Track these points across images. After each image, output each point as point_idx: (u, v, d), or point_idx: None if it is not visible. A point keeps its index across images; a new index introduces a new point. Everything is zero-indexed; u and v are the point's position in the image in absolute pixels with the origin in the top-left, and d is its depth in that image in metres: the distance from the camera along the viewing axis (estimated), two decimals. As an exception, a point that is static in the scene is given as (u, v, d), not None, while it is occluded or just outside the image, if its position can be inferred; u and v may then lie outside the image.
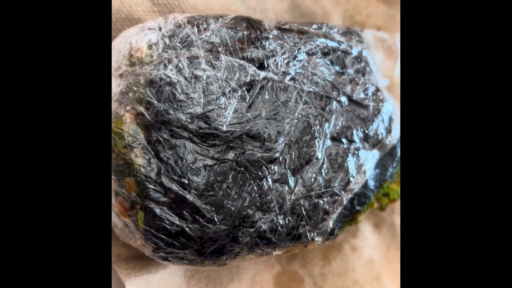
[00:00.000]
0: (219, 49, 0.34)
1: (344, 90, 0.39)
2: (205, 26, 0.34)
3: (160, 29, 0.33)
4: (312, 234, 0.37)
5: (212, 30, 0.34)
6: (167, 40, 0.33)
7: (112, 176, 0.32)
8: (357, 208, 0.40)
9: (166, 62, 0.32)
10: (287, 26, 0.39)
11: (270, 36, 0.37)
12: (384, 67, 0.49)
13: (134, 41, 0.33)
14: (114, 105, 0.32)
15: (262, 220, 0.35)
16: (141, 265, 0.38)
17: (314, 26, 0.42)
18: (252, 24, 0.36)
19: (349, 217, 0.40)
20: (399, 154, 0.43)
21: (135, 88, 0.32)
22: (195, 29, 0.34)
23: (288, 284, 0.46)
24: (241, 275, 0.44)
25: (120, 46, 0.33)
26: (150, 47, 0.33)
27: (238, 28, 0.35)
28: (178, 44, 0.33)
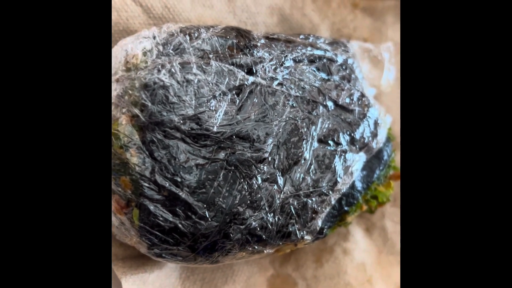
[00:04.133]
0: (210, 55, 0.36)
1: (330, 95, 0.41)
2: (196, 35, 0.37)
3: (154, 37, 0.36)
4: (302, 233, 0.39)
5: (203, 39, 0.37)
6: (160, 48, 0.35)
7: (109, 175, 0.34)
8: (345, 208, 0.42)
9: (160, 67, 0.34)
10: (275, 36, 0.41)
11: (258, 44, 0.39)
12: (371, 77, 0.51)
13: (130, 48, 0.35)
14: (110, 108, 0.34)
15: (253, 217, 0.36)
16: (137, 265, 0.40)
17: (301, 36, 0.44)
18: (241, 33, 0.39)
19: (338, 217, 0.42)
20: (385, 157, 0.45)
21: (130, 92, 0.34)
22: (187, 38, 0.36)
23: (282, 287, 0.47)
24: (235, 277, 0.45)
25: (117, 53, 0.35)
26: (144, 54, 0.35)
27: (228, 37, 0.38)
28: (171, 51, 0.35)
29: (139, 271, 0.39)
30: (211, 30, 0.38)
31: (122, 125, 0.34)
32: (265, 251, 0.38)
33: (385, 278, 0.51)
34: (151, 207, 0.34)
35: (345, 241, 0.50)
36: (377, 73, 0.52)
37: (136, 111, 0.34)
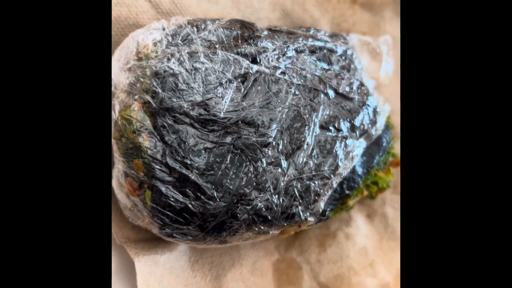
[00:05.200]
0: (216, 46, 0.38)
1: (330, 83, 0.43)
2: (203, 26, 0.39)
3: (163, 29, 0.38)
4: (305, 214, 0.41)
5: (209, 30, 0.39)
6: (170, 38, 0.37)
7: (122, 159, 0.36)
8: (347, 192, 0.44)
9: (169, 56, 0.36)
10: (277, 28, 0.44)
11: (262, 35, 0.41)
12: (370, 69, 0.53)
13: (141, 39, 0.37)
14: (123, 95, 0.36)
15: (258, 198, 0.38)
16: (149, 247, 0.41)
17: (303, 29, 0.46)
18: (246, 25, 0.41)
19: (340, 200, 0.44)
20: (385, 144, 0.47)
21: (142, 80, 0.36)
22: (195, 29, 0.38)
23: (287, 271, 0.49)
24: (242, 261, 0.47)
25: (128, 44, 0.37)
26: (155, 44, 0.37)
27: (233, 28, 0.40)
28: (180, 42, 0.38)
29: (151, 252, 0.41)
30: (217, 22, 0.40)
31: (135, 111, 0.36)
32: (270, 232, 0.40)
33: (386, 263, 0.52)
34: (163, 189, 0.36)
35: (347, 227, 0.51)
36: (376, 66, 0.54)
37: (148, 97, 0.36)
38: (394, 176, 0.55)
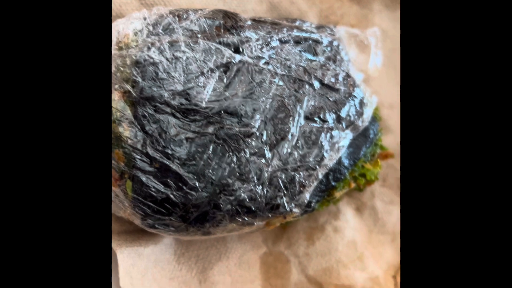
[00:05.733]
0: (198, 35, 0.38)
1: (315, 74, 0.43)
2: (185, 16, 0.39)
3: (144, 18, 0.38)
4: (290, 205, 0.40)
5: (191, 20, 0.38)
6: (150, 28, 0.37)
7: (103, 149, 0.36)
8: (333, 183, 0.43)
9: (150, 45, 0.36)
10: (261, 19, 0.43)
11: (245, 25, 0.41)
12: (358, 61, 0.52)
13: (122, 28, 0.37)
14: (104, 85, 0.36)
15: (242, 189, 0.38)
16: (132, 239, 0.41)
17: (288, 20, 0.46)
18: (229, 15, 0.41)
19: (326, 192, 0.43)
20: (372, 135, 0.47)
21: (122, 69, 0.36)
22: (176, 19, 0.38)
23: (274, 264, 0.49)
24: (229, 254, 0.47)
25: (109, 34, 0.37)
26: (135, 33, 0.37)
27: (215, 18, 0.39)
28: (161, 31, 0.37)
29: (134, 244, 0.40)
30: (199, 12, 0.39)
31: (115, 100, 0.35)
32: (255, 223, 0.40)
33: (376, 256, 0.52)
34: (144, 179, 0.35)
35: (335, 220, 0.51)
36: (364, 58, 0.53)
37: (128, 87, 0.35)
38: (383, 168, 0.54)
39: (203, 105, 0.36)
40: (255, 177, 0.38)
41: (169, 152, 0.35)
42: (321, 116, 0.42)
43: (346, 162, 0.44)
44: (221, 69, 0.38)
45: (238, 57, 0.39)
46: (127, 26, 0.37)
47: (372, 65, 0.53)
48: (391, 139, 0.56)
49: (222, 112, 0.37)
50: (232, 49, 0.39)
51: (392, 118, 0.57)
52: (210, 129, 0.37)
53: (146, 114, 0.35)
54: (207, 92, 0.37)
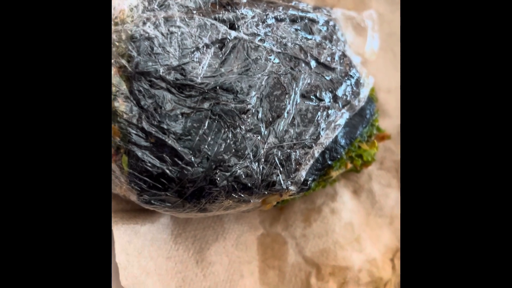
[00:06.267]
0: (193, 11, 0.38)
1: (311, 53, 0.43)
2: (181, -7, 0.39)
3: (140, -6, 0.38)
4: (287, 183, 0.40)
5: (187, -4, 0.38)
6: (146, 4, 0.37)
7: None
8: (329, 162, 0.43)
9: (145, 20, 0.36)
10: (257, -3, 0.43)
11: (241, 2, 0.41)
12: (355, 44, 0.53)
13: (117, 4, 0.37)
14: (99, 60, 0.36)
15: (238, 165, 0.38)
16: (129, 217, 0.41)
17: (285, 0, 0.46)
18: (224, -8, 0.41)
19: (322, 170, 0.43)
20: (368, 115, 0.47)
21: (117, 44, 0.36)
22: (172, -5, 0.38)
23: (272, 245, 0.49)
24: (226, 235, 0.47)
25: (104, 10, 0.37)
26: (131, 9, 0.37)
27: (211, -5, 0.39)
28: (156, 7, 0.37)
29: (131, 222, 0.41)
30: (195, -11, 0.40)
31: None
32: (251, 201, 0.40)
33: (373, 239, 0.52)
34: (139, 154, 0.35)
35: (332, 201, 0.51)
36: (361, 41, 0.53)
37: (123, 62, 0.35)
38: (380, 151, 0.54)
39: (199, 80, 0.36)
40: (251, 154, 0.38)
41: (165, 127, 0.35)
42: (317, 94, 0.42)
43: (342, 141, 0.44)
44: (217, 45, 0.38)
45: (233, 34, 0.39)
46: (123, 1, 0.37)
47: (369, 49, 0.53)
48: (388, 123, 0.56)
49: (218, 88, 0.37)
50: (228, 26, 0.39)
51: (389, 102, 0.57)
52: (206, 105, 0.37)
53: (141, 89, 0.35)
54: (203, 67, 0.37)
